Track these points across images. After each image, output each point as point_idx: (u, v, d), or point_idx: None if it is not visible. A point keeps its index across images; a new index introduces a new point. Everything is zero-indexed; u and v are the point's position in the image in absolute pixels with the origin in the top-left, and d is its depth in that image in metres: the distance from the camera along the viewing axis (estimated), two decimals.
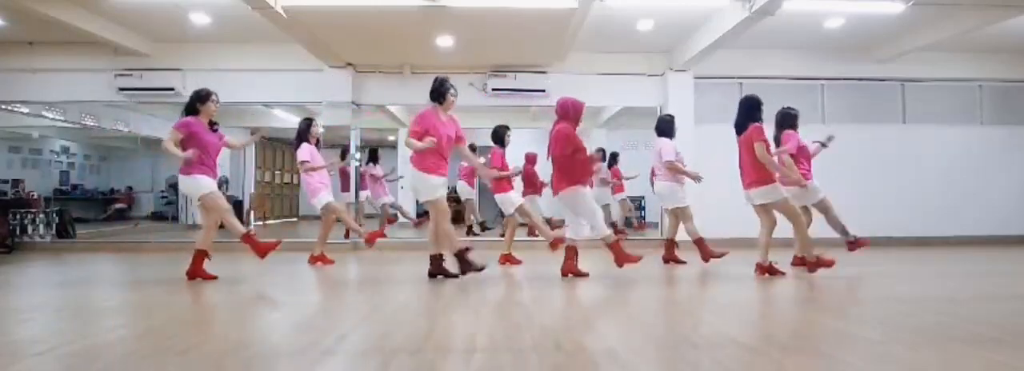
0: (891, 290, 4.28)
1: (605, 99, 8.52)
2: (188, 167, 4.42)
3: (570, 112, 4.61)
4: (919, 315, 3.25)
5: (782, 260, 4.84)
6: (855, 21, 6.85)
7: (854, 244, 5.15)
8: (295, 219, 15.12)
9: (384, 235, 6.90)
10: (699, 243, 5.45)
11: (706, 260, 5.39)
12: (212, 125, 4.75)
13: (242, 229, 4.59)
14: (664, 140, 5.60)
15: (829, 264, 4.71)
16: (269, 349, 2.60)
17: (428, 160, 4.40)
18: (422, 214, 9.38)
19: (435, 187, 4.42)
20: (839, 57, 8.07)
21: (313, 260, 5.64)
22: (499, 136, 5.74)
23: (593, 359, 2.37)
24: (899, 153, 8.12)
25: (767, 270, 4.65)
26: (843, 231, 5.13)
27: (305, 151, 5.60)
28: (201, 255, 4.48)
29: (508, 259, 5.63)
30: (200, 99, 4.56)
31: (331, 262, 5.66)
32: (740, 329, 2.94)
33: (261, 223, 12.96)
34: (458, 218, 9.40)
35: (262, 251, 4.51)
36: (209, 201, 4.49)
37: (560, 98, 4.70)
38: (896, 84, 8.31)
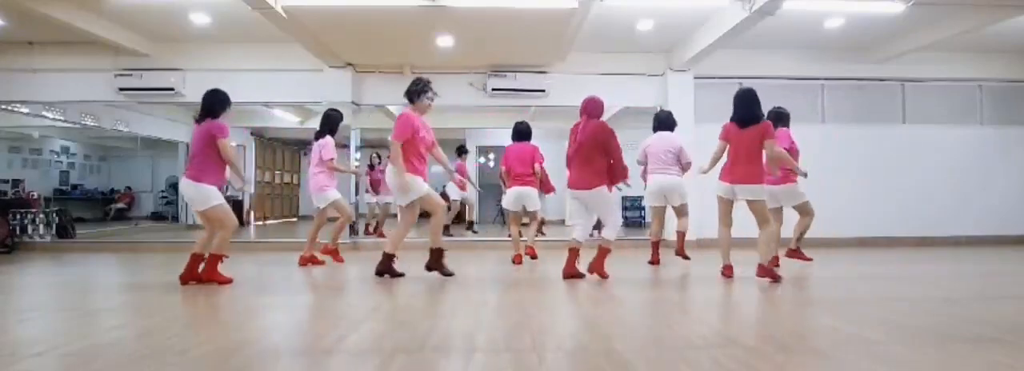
0: (891, 290, 4.27)
1: (605, 99, 8.38)
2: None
3: (600, 110, 4.69)
4: (919, 315, 3.25)
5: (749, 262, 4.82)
6: (855, 21, 6.84)
7: (796, 253, 5.50)
8: (295, 219, 15.13)
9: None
10: (683, 236, 5.62)
11: (681, 255, 5.59)
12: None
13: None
14: (674, 135, 5.61)
15: (774, 275, 4.40)
16: (269, 349, 2.59)
17: (412, 162, 4.46)
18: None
19: (421, 188, 4.48)
20: (839, 57, 8.07)
21: (303, 261, 5.55)
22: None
23: (593, 359, 2.37)
24: (899, 153, 8.11)
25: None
26: (799, 238, 5.43)
27: (331, 147, 5.47)
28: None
29: (526, 254, 5.90)
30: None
31: (321, 263, 5.63)
32: (740, 329, 2.94)
33: (261, 223, 12.97)
34: (458, 217, 9.52)
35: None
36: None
37: (590, 97, 4.76)
38: (896, 84, 8.31)
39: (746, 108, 4.57)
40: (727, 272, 4.68)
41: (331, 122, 5.52)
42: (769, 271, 4.39)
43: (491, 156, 13.87)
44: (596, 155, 4.49)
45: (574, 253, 4.63)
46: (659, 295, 4.02)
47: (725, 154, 4.67)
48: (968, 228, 8.05)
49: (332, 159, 5.45)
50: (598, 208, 4.60)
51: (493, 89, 7.88)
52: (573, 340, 2.79)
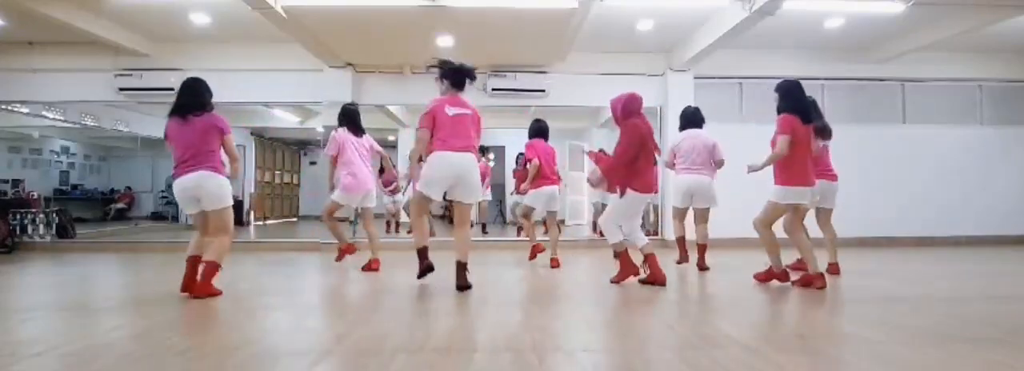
0: (891, 290, 4.27)
1: (605, 99, 8.44)
2: None
3: (618, 108, 4.61)
4: (919, 315, 3.25)
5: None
6: (855, 21, 6.85)
7: (835, 267, 4.76)
8: (295, 219, 15.13)
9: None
10: (704, 249, 5.22)
11: (702, 267, 5.15)
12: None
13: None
14: (706, 132, 5.33)
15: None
16: (269, 349, 2.59)
17: None
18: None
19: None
20: (839, 57, 8.07)
21: (375, 264, 5.16)
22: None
23: (594, 359, 2.37)
24: (899, 153, 8.11)
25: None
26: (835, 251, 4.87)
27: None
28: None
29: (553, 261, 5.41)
30: None
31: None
32: (740, 329, 2.94)
33: (261, 223, 12.97)
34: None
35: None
36: None
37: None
38: (896, 84, 8.31)
39: (805, 101, 4.19)
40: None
41: (358, 116, 5.27)
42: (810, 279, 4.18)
43: (491, 156, 13.88)
44: (642, 155, 4.29)
45: (653, 257, 4.30)
46: (659, 295, 4.01)
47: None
48: (968, 228, 8.05)
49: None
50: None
51: (493, 89, 7.88)
52: (573, 340, 2.79)
